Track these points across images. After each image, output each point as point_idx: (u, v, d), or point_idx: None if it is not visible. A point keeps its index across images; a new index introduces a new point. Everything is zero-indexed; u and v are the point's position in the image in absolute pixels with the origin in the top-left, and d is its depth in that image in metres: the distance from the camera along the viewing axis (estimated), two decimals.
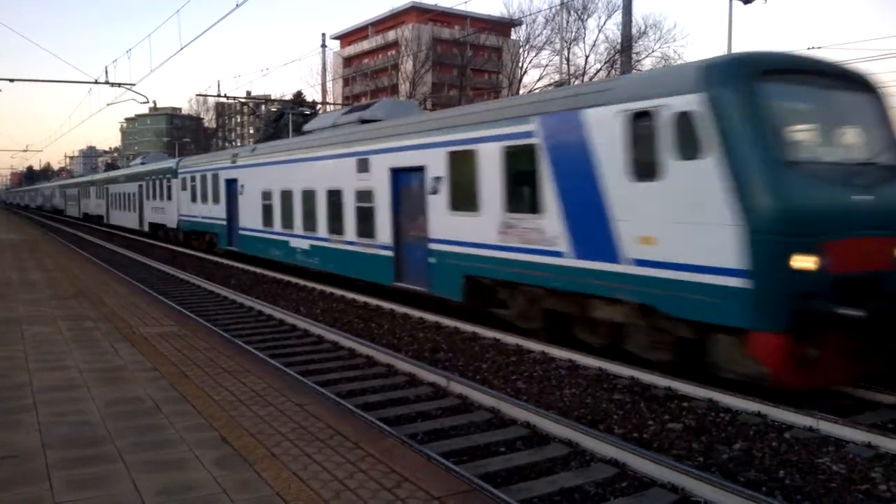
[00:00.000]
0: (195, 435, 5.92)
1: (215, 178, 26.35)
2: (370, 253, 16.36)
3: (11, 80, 32.91)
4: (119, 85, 31.41)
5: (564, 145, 10.80)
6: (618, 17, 53.73)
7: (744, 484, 6.35)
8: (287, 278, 20.35)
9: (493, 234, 12.35)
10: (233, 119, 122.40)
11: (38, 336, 10.17)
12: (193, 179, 28.93)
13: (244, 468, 5.20)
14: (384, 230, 15.77)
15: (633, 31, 35.38)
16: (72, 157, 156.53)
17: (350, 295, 16.96)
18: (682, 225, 8.95)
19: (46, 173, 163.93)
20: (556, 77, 55.96)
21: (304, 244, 19.53)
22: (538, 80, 60.26)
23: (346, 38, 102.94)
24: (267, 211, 21.79)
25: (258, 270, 22.34)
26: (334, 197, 17.86)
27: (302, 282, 19.51)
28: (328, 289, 18.05)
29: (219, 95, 43.83)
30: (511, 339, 11.89)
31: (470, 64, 71.03)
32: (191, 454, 5.48)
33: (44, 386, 7.47)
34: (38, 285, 15.99)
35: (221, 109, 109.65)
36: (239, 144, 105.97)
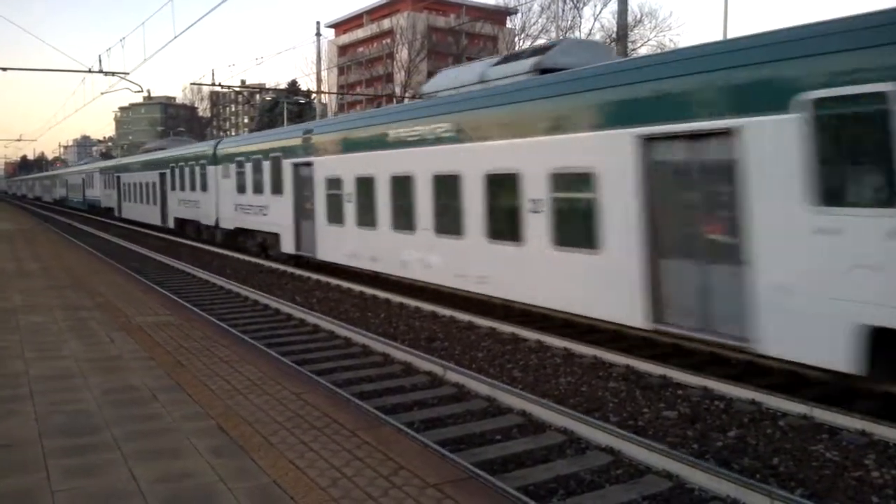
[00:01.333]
0: (192, 424, 5.93)
1: None
2: None
3: (4, 69, 32.71)
4: (113, 74, 31.24)
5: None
6: (613, 5, 53.56)
7: (738, 471, 6.38)
8: (283, 268, 20.32)
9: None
10: (227, 108, 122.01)
11: (34, 325, 10.15)
12: None
13: (241, 456, 5.21)
14: None
15: (629, 19, 35.26)
16: (66, 147, 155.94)
17: (346, 284, 16.95)
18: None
19: (41, 163, 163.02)
20: None
21: None
22: None
23: (340, 26, 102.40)
24: None
25: (254, 260, 22.31)
26: None
27: (298, 271, 19.48)
28: (324, 278, 18.03)
29: (213, 84, 43.66)
30: (507, 328, 11.90)
31: (465, 52, 70.68)
32: (187, 442, 5.49)
33: (40, 375, 7.46)
34: (34, 275, 15.95)
35: (216, 98, 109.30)
36: (234, 134, 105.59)
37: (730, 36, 27.11)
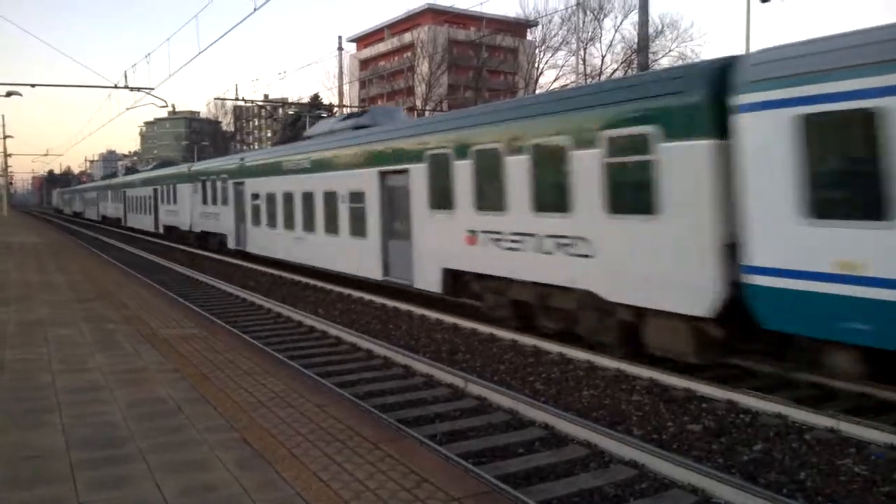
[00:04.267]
0: (216, 436, 5.97)
1: None
2: None
3: (33, 86, 33.39)
4: (138, 89, 31.71)
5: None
6: (634, 16, 53.36)
7: (764, 485, 6.31)
8: (306, 280, 20.44)
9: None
10: (250, 122, 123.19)
11: (61, 338, 10.29)
12: None
13: (265, 469, 5.24)
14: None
15: (650, 30, 35.14)
16: (92, 161, 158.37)
17: (368, 296, 17.02)
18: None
19: (67, 177, 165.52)
20: (573, 77, 55.79)
21: None
22: (554, 80, 60.05)
23: (362, 40, 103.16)
24: None
25: (276, 272, 22.47)
26: None
27: (320, 284, 19.59)
28: (346, 290, 18.12)
29: (237, 99, 44.17)
30: (528, 341, 11.88)
31: (486, 65, 70.99)
32: (212, 454, 5.53)
33: (67, 387, 7.56)
34: (61, 288, 16.17)
35: (239, 113, 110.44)
36: (257, 147, 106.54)
37: (752, 48, 27.02)
